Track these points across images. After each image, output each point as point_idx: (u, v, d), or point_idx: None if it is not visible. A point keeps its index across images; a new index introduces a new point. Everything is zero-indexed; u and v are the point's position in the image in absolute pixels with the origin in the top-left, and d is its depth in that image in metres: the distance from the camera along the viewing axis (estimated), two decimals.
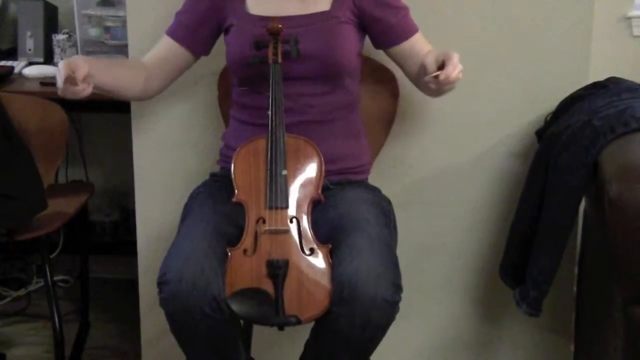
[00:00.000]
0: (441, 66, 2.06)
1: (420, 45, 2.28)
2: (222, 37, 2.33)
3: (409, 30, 2.28)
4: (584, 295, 2.52)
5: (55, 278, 3.29)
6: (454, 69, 2.03)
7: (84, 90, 2.10)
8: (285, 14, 2.20)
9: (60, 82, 2.08)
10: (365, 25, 2.26)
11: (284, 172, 2.10)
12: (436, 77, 2.05)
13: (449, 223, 2.63)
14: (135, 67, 2.34)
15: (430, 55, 2.12)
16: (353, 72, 2.26)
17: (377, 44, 2.31)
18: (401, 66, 2.33)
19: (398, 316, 1.98)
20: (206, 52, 2.36)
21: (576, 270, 2.60)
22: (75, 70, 2.07)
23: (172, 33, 2.32)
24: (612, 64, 2.73)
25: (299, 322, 1.97)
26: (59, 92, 2.11)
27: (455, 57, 2.05)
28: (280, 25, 2.14)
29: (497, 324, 2.70)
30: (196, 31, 2.31)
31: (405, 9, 2.28)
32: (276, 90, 2.14)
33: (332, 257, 2.02)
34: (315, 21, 2.21)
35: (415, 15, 2.31)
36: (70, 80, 2.06)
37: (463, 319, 2.70)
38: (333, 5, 2.22)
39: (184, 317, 1.96)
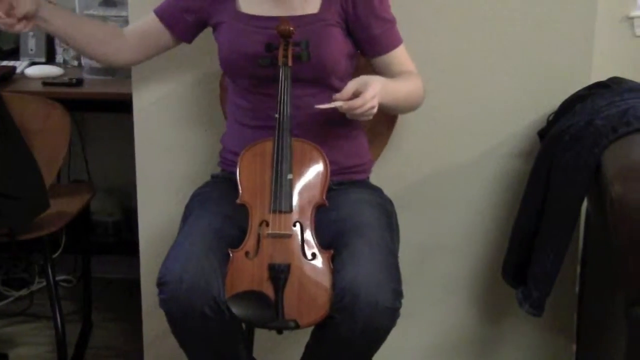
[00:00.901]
0: (357, 94, 2.03)
1: (398, 60, 2.27)
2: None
3: (390, 44, 2.26)
4: (586, 296, 2.52)
5: (58, 278, 3.28)
6: (361, 105, 2.01)
7: (15, 25, 2.16)
8: (276, 15, 2.19)
9: None
10: (351, 31, 2.24)
11: (290, 176, 2.10)
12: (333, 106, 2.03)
13: (452, 223, 2.63)
14: (109, 30, 2.37)
15: (355, 80, 2.07)
16: (341, 75, 2.23)
17: (361, 52, 2.30)
18: (378, 75, 2.31)
19: (400, 316, 1.98)
20: (188, 38, 2.35)
21: (578, 271, 2.59)
22: (17, 6, 2.13)
23: (158, 11, 2.33)
24: (615, 64, 2.72)
25: (297, 326, 1.97)
26: None
27: (369, 93, 2.02)
28: (291, 28, 2.13)
29: (500, 324, 2.70)
30: (181, 15, 2.30)
31: (391, 21, 2.26)
32: (285, 93, 2.13)
33: (334, 262, 2.02)
34: (304, 23, 2.20)
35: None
36: (5, 11, 2.12)
37: (465, 319, 2.70)
38: (322, 8, 2.21)
39: (183, 318, 1.96)
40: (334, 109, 2.05)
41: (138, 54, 2.37)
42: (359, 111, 2.02)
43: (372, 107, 2.03)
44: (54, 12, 2.25)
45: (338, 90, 2.21)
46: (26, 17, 2.18)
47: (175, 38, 2.34)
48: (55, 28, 2.26)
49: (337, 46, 2.21)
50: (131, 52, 2.35)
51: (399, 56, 2.28)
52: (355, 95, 2.03)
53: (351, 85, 2.05)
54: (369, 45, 2.26)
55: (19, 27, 2.18)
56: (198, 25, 2.33)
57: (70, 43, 2.35)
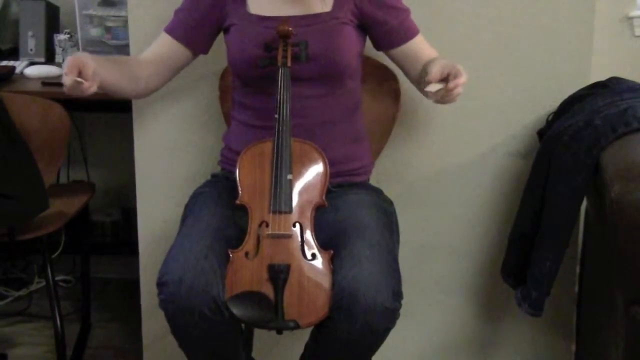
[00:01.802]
0: (445, 79, 2.03)
1: (421, 48, 2.28)
2: (221, 37, 2.33)
3: (409, 32, 2.28)
4: (585, 295, 2.52)
5: (57, 278, 3.29)
6: (458, 84, 2.01)
7: (90, 87, 2.05)
8: (286, 15, 2.19)
9: (67, 79, 2.03)
10: (366, 27, 2.25)
11: (289, 177, 2.10)
12: (437, 89, 2.02)
13: (451, 223, 2.63)
14: (134, 65, 2.32)
15: (436, 63, 2.07)
16: (354, 73, 2.25)
17: (378, 46, 2.30)
18: (401, 67, 2.32)
19: (400, 316, 1.98)
20: (205, 50, 2.35)
21: (577, 270, 2.60)
22: (83, 67, 2.04)
23: (172, 31, 2.31)
24: (614, 64, 2.72)
25: (297, 327, 1.97)
26: (65, 89, 2.06)
27: (464, 75, 2.02)
28: (290, 28, 2.13)
29: (499, 323, 2.70)
30: (196, 29, 2.30)
31: (406, 10, 2.28)
32: (284, 94, 2.13)
33: (333, 262, 2.02)
34: (316, 22, 2.20)
35: (416, 16, 2.31)
36: (78, 77, 2.02)
37: (464, 319, 2.70)
38: (334, 7, 2.22)
39: (183, 319, 1.96)
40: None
41: (162, 78, 2.35)
42: (457, 91, 2.02)
43: (464, 84, 2.03)
44: (101, 65, 2.15)
45: (349, 90, 2.22)
46: (93, 76, 2.06)
47: (194, 54, 2.34)
48: (105, 77, 2.15)
49: (350, 44, 2.22)
50: (155, 79, 2.33)
51: (421, 43, 2.29)
52: (444, 77, 2.03)
53: (436, 69, 2.03)
54: (387, 38, 2.26)
55: (93, 89, 2.07)
56: (214, 34, 2.33)
57: (108, 91, 2.25)
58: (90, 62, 2.05)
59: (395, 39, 2.27)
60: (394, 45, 2.28)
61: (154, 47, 2.34)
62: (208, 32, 2.31)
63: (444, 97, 2.05)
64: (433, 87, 2.04)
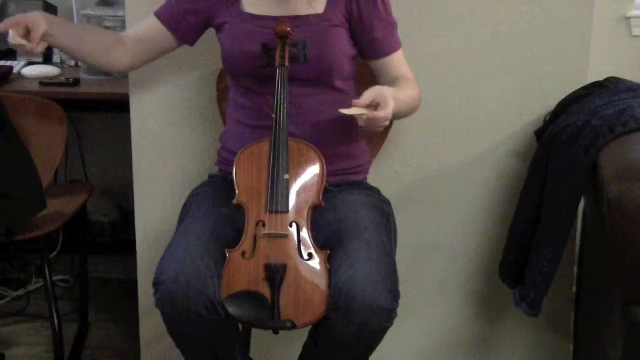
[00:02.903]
0: (374, 106, 2.03)
1: (397, 65, 2.28)
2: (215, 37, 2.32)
3: (390, 48, 2.27)
4: (583, 296, 2.52)
5: (55, 278, 3.29)
6: (384, 118, 2.01)
7: (34, 49, 2.14)
8: (280, 15, 2.19)
9: (13, 38, 2.11)
10: (353, 33, 2.25)
11: (286, 177, 2.10)
12: (350, 114, 2.03)
13: (449, 223, 2.63)
14: (107, 37, 2.36)
15: (373, 88, 2.06)
16: (345, 75, 2.24)
17: (360, 54, 2.30)
18: (377, 79, 2.31)
19: (397, 316, 1.98)
20: (190, 41, 2.34)
21: (575, 271, 2.60)
22: (33, 28, 2.11)
23: (160, 14, 2.32)
24: (612, 64, 2.73)
25: (294, 327, 1.97)
26: (10, 42, 2.14)
27: (390, 108, 2.01)
28: (289, 29, 2.13)
29: (497, 324, 2.70)
30: (184, 17, 2.29)
31: (393, 25, 2.27)
32: (282, 94, 2.13)
33: (330, 262, 2.02)
34: (310, 23, 2.20)
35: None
36: (25, 37, 2.12)
37: (463, 319, 2.70)
38: (327, 9, 2.22)
39: (179, 318, 1.96)
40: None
41: (139, 58, 2.36)
42: (377, 123, 2.03)
43: (388, 120, 2.04)
44: (59, 27, 2.24)
45: (341, 91, 2.23)
46: (42, 38, 2.17)
47: (178, 41, 2.33)
48: (61, 42, 2.26)
49: (342, 47, 2.22)
50: (132, 57, 2.34)
51: (398, 60, 2.28)
52: (374, 105, 2.03)
53: (369, 95, 2.04)
54: (369, 48, 2.26)
55: (39, 48, 2.17)
56: (201, 27, 2.32)
57: (74, 55, 2.36)
58: (42, 23, 2.15)
59: (374, 52, 2.27)
60: (373, 57, 2.28)
61: (140, 26, 2.36)
62: (195, 23, 2.30)
63: (366, 123, 2.04)
64: (347, 110, 2.05)
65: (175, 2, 2.31)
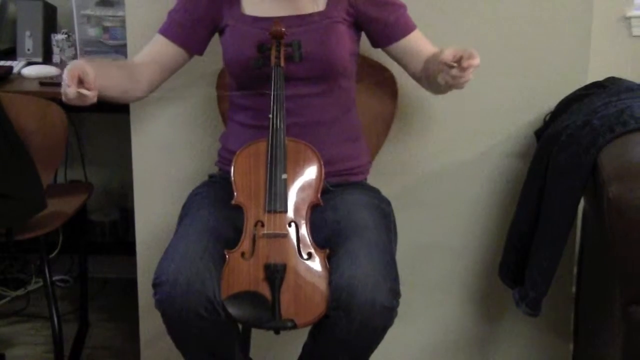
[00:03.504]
0: (457, 61, 2.00)
1: (420, 42, 2.27)
2: (216, 38, 2.32)
3: (406, 28, 2.27)
4: (583, 295, 2.52)
5: (55, 278, 3.29)
6: (472, 64, 1.99)
7: (94, 96, 2.01)
8: (280, 15, 2.19)
9: (70, 92, 1.97)
10: (362, 25, 2.25)
11: (284, 176, 2.10)
12: (452, 66, 1.99)
13: (449, 223, 2.63)
14: (132, 67, 2.30)
15: (447, 48, 2.04)
16: (347, 72, 2.25)
17: (376, 43, 2.30)
18: (402, 64, 2.31)
19: (398, 316, 1.98)
20: (200, 51, 2.34)
21: (575, 270, 2.60)
22: (85, 76, 1.98)
23: (166, 32, 2.30)
24: (611, 64, 2.73)
25: (295, 326, 1.97)
26: (65, 99, 2.00)
27: (477, 58, 1.99)
28: (283, 29, 2.13)
29: (497, 324, 2.70)
30: (192, 30, 2.29)
31: (402, 6, 2.28)
32: (278, 94, 2.13)
33: (330, 261, 2.02)
34: (310, 22, 2.20)
35: (414, 15, 2.31)
36: (79, 86, 1.97)
37: (462, 319, 2.70)
38: (328, 6, 2.22)
39: (179, 319, 1.96)
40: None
41: (157, 79, 2.32)
42: (468, 75, 2.00)
43: (476, 66, 2.01)
44: (100, 73, 2.08)
45: (343, 88, 2.22)
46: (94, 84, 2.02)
47: (189, 54, 2.33)
48: (100, 84, 2.06)
49: (344, 43, 2.22)
50: (150, 80, 2.30)
51: (420, 37, 2.28)
52: (457, 60, 2.00)
53: (450, 50, 2.00)
54: (384, 34, 2.26)
55: (95, 98, 2.02)
56: (209, 35, 2.32)
57: (109, 97, 2.20)
58: (89, 69, 2.00)
59: (393, 35, 2.26)
60: (392, 41, 2.27)
61: (147, 48, 2.33)
62: (203, 33, 2.31)
63: (455, 79, 2.01)
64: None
65: (179, 17, 2.29)
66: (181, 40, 2.30)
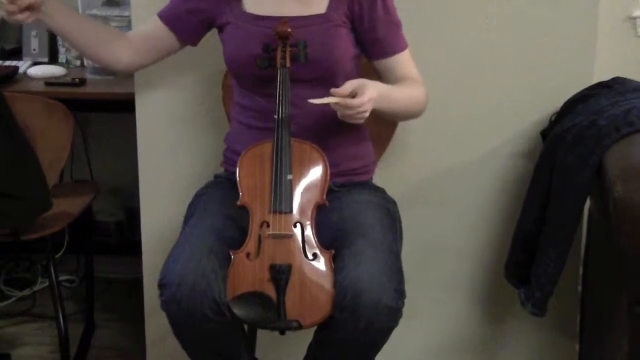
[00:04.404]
0: (354, 94, 2.02)
1: (402, 65, 2.25)
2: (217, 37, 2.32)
3: (394, 47, 2.25)
4: (588, 296, 2.52)
5: (60, 278, 3.29)
6: (357, 105, 2.00)
7: (18, 15, 2.14)
8: (282, 15, 2.19)
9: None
10: (356, 32, 2.24)
11: (289, 177, 2.09)
12: (319, 103, 2.03)
13: (454, 223, 2.63)
14: (109, 31, 2.37)
15: (354, 81, 2.06)
16: (348, 75, 2.23)
17: (365, 54, 2.29)
18: (380, 78, 2.29)
19: (403, 316, 1.98)
20: (193, 42, 2.34)
21: (581, 271, 2.59)
22: None
23: (162, 14, 2.31)
24: (617, 64, 2.72)
25: (300, 327, 1.97)
26: None
27: (366, 96, 2.00)
28: (289, 29, 2.13)
29: (502, 323, 2.70)
30: (186, 17, 2.29)
31: (396, 24, 2.25)
32: (283, 94, 2.13)
33: (335, 262, 2.02)
34: (311, 23, 2.19)
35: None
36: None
37: (468, 319, 2.70)
38: (329, 8, 2.21)
39: (184, 320, 1.96)
40: (328, 106, 2.04)
41: (139, 57, 2.35)
42: (351, 112, 2.02)
43: (365, 111, 2.03)
44: (58, 8, 2.23)
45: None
46: (30, 8, 2.15)
47: (180, 41, 2.33)
48: (58, 24, 2.25)
49: (344, 46, 2.21)
50: (132, 55, 2.33)
51: (403, 61, 2.26)
52: (352, 95, 2.02)
53: (349, 85, 2.04)
54: (373, 47, 2.25)
55: (21, 16, 2.16)
56: (203, 28, 2.32)
57: (71, 42, 2.34)
58: None
59: (379, 51, 2.25)
60: (377, 57, 2.25)
61: (143, 26, 2.37)
62: (197, 23, 2.30)
63: (339, 110, 2.03)
64: (318, 100, 2.04)
65: (177, 3, 2.30)
66: (173, 26, 2.30)
